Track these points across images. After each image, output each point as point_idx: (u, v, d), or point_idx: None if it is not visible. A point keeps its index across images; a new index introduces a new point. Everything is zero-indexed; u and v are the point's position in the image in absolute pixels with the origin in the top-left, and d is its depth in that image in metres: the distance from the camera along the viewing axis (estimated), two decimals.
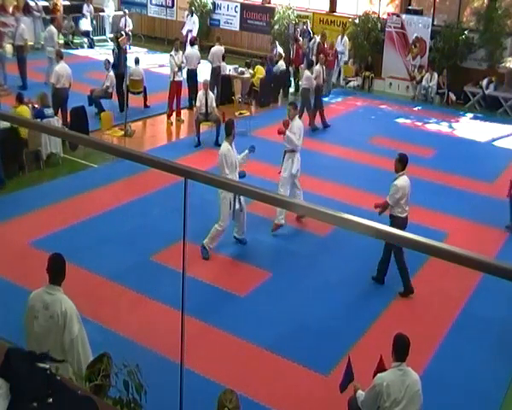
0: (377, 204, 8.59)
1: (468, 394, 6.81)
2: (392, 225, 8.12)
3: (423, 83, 18.81)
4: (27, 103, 12.19)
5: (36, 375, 2.44)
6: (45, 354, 5.01)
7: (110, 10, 24.07)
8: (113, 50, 17.13)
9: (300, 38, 19.88)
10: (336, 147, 14.49)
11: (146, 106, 16.12)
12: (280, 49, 18.99)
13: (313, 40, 19.70)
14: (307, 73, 15.34)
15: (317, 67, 15.58)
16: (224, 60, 17.23)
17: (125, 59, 16.19)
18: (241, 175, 9.41)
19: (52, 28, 17.68)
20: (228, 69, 17.61)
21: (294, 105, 10.51)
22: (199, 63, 16.40)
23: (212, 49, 17.00)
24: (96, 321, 7.25)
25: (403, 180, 8.34)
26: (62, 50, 15.53)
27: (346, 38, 19.80)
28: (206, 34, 23.07)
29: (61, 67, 13.73)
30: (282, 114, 16.78)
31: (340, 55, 19.51)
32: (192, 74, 16.18)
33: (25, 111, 11.62)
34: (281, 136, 10.32)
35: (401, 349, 5.24)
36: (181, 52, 15.77)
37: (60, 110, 13.49)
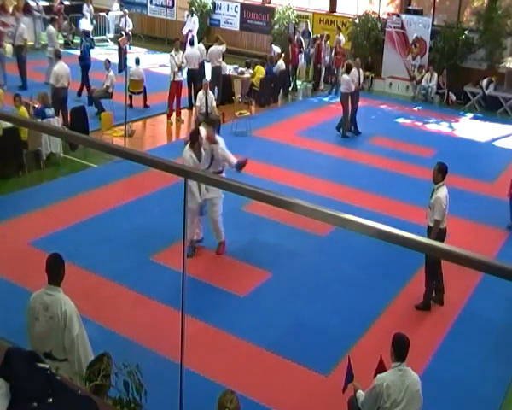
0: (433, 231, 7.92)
1: (468, 394, 6.81)
2: (428, 237, 7.97)
3: (423, 83, 18.81)
4: (27, 104, 12.19)
5: (36, 375, 2.44)
6: (48, 354, 5.06)
7: (114, 11, 24.11)
8: (81, 43, 17.31)
9: (301, 38, 19.89)
10: (336, 147, 14.50)
11: (146, 106, 16.15)
12: (277, 50, 18.97)
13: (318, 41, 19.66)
14: (346, 77, 15.01)
15: (354, 71, 15.20)
16: (223, 59, 17.23)
17: (126, 59, 16.21)
18: (238, 165, 9.10)
19: (51, 28, 17.70)
20: (228, 69, 17.62)
21: (210, 122, 9.65)
22: (199, 63, 16.41)
23: (210, 49, 17.00)
24: (96, 321, 7.25)
25: (444, 191, 7.98)
26: (62, 50, 15.56)
27: (341, 36, 19.79)
28: (206, 34, 23.05)
29: (60, 67, 13.73)
30: (282, 114, 16.89)
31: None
32: (192, 74, 16.19)
33: (23, 112, 11.63)
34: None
35: (401, 349, 5.24)
36: (181, 52, 15.78)
37: (60, 110, 13.52)
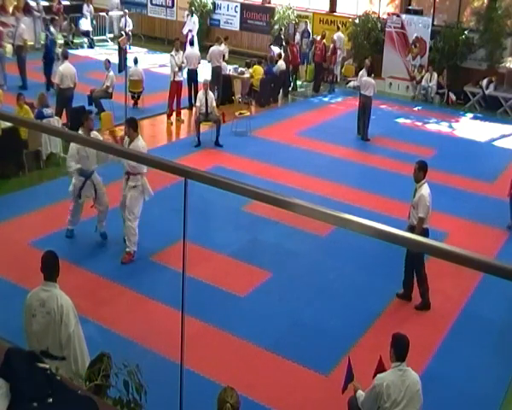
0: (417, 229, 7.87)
1: (467, 394, 6.81)
2: None
3: (423, 83, 18.80)
4: (31, 105, 12.21)
5: (36, 375, 2.44)
6: (45, 352, 5.06)
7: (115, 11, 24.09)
8: (46, 36, 17.40)
9: (298, 38, 19.88)
10: (336, 147, 14.49)
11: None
12: (276, 50, 18.94)
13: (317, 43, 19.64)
14: (372, 80, 14.85)
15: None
16: (223, 59, 17.23)
17: (125, 59, 16.21)
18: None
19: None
20: (228, 69, 17.62)
21: (134, 124, 9.02)
22: (199, 63, 16.42)
23: (210, 49, 17.01)
24: (96, 321, 7.26)
25: (427, 189, 8.00)
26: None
27: (337, 34, 19.76)
28: (207, 34, 23.08)
29: (66, 68, 13.75)
30: (282, 114, 16.88)
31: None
32: (192, 74, 16.20)
33: (27, 111, 11.65)
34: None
35: (401, 349, 5.24)
36: (181, 52, 15.78)
37: (65, 110, 13.56)
